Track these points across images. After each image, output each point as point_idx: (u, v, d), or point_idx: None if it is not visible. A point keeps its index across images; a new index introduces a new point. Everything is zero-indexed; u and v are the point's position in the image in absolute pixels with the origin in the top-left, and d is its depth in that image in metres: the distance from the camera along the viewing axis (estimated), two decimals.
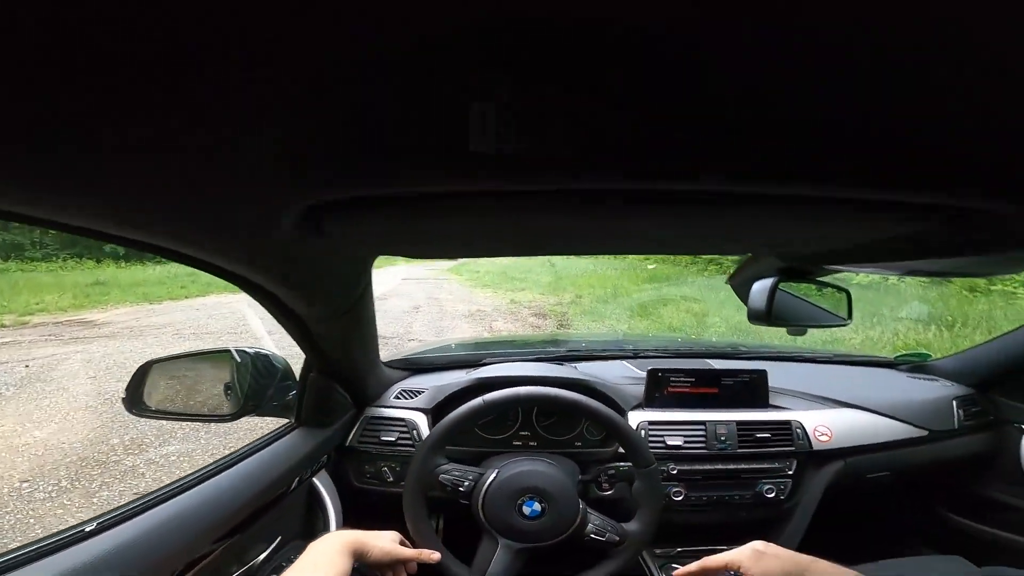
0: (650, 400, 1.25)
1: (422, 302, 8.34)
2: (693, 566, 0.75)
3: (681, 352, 1.56)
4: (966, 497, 1.43)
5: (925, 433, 1.29)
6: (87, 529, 0.61)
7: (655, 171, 0.33)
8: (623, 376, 1.37)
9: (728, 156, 0.31)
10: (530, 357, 1.43)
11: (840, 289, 0.91)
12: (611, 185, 0.37)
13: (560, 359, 1.47)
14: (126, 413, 0.90)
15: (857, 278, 7.23)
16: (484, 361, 1.35)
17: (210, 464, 0.83)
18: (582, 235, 0.52)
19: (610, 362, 1.50)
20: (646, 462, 1.00)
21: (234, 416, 0.92)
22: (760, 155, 0.31)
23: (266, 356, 0.99)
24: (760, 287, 0.78)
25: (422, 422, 1.17)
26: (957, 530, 1.42)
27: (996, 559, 1.14)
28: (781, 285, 0.78)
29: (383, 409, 1.19)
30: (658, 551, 1.19)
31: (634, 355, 1.51)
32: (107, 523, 0.64)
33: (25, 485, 2.71)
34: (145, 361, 0.92)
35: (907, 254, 0.48)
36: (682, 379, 1.27)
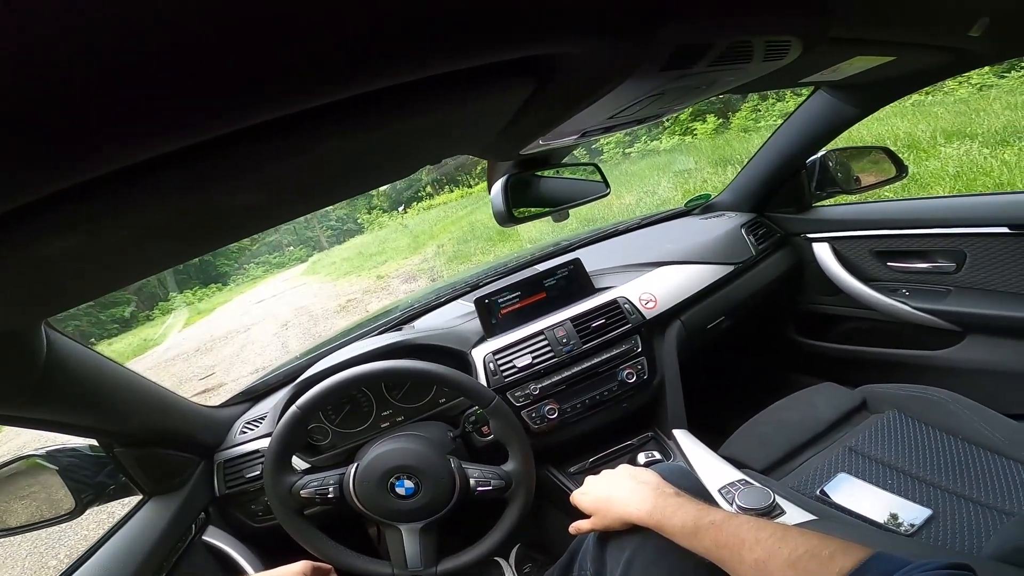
0: (488, 329, 1.25)
1: (289, 316, 7.75)
2: (584, 525, 0.78)
3: (512, 268, 1.56)
4: (804, 317, 1.60)
5: (732, 268, 1.38)
6: None
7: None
8: (461, 315, 1.36)
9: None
10: (370, 334, 1.37)
11: (588, 164, 0.95)
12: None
13: (398, 324, 1.42)
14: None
15: (662, 144, 8.09)
16: (317, 360, 1.26)
17: (65, 567, 0.82)
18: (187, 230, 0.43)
19: (449, 305, 1.48)
20: (486, 399, 0.97)
21: (73, 514, 0.89)
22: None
23: (72, 449, 0.93)
24: (495, 190, 0.77)
25: None
26: (816, 352, 1.59)
27: (861, 374, 1.32)
28: (519, 177, 0.79)
29: (233, 449, 1.13)
30: (572, 469, 1.20)
31: (471, 289, 1.50)
32: None
33: None
34: None
35: (545, 117, 0.48)
36: (508, 296, 1.28)
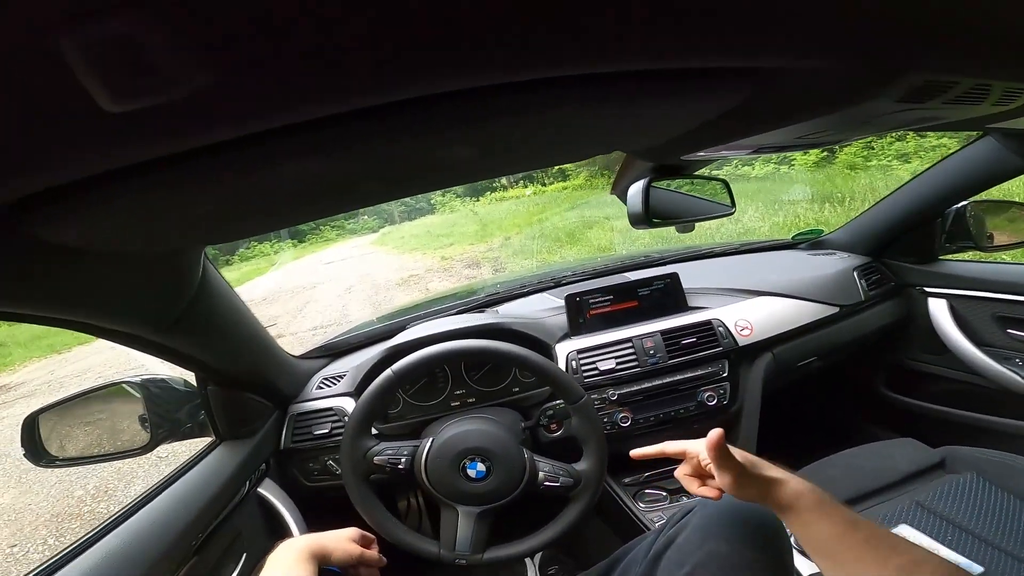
0: (575, 327, 1.25)
1: (353, 281, 8.09)
2: (650, 449, 0.74)
3: (599, 271, 1.55)
4: (899, 372, 1.52)
5: (836, 309, 1.32)
6: None
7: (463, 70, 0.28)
8: (546, 309, 1.36)
9: (530, 40, 0.27)
10: (452, 312, 1.40)
11: (719, 180, 0.93)
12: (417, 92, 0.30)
13: (481, 306, 1.44)
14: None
15: (754, 172, 7.73)
16: (405, 327, 1.29)
17: (135, 498, 0.80)
18: (405, 168, 0.46)
19: (531, 297, 1.48)
20: (575, 395, 0.96)
21: (146, 448, 0.88)
22: (566, 33, 0.27)
23: (162, 380, 0.94)
24: (634, 190, 0.76)
25: (350, 406, 1.11)
26: (902, 408, 1.51)
27: (946, 436, 1.25)
28: (657, 184, 0.78)
29: (307, 403, 1.14)
30: (627, 480, 1.17)
31: (555, 285, 1.50)
32: (42, 573, 0.61)
33: (15, 549, 2.72)
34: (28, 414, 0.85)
35: (740, 129, 0.47)
36: (600, 299, 1.27)
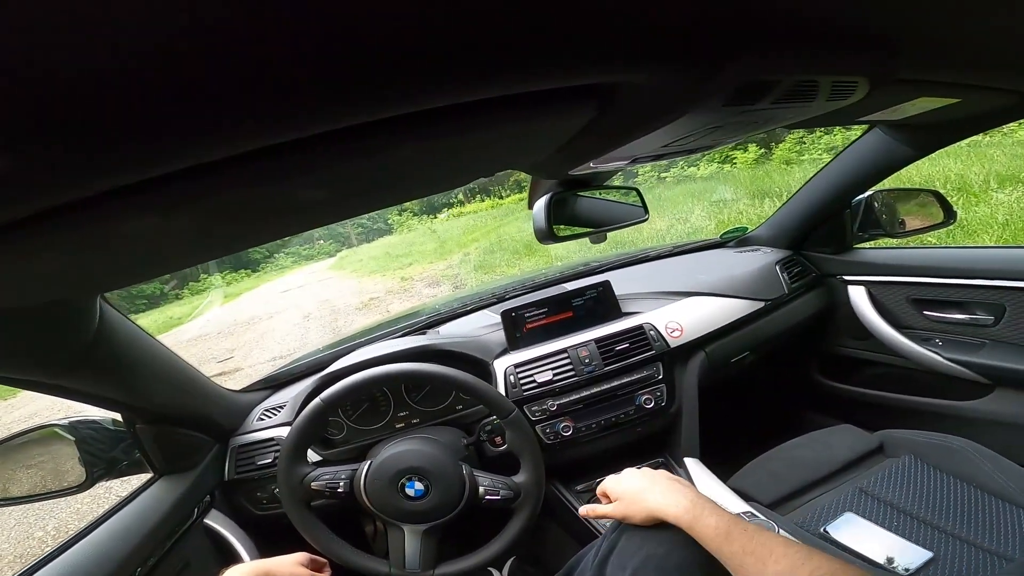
0: (512, 342, 1.25)
1: (311, 308, 7.90)
2: (600, 509, 0.78)
3: (539, 284, 1.57)
4: (830, 359, 1.58)
5: (762, 304, 1.36)
6: None
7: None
8: (486, 326, 1.36)
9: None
10: (395, 335, 1.39)
11: (629, 188, 0.95)
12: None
13: (424, 328, 1.43)
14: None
15: (700, 172, 8.03)
16: (343, 355, 1.28)
17: (71, 533, 0.82)
18: (262, 218, 0.46)
19: (475, 315, 1.48)
20: (505, 411, 0.99)
21: (82, 487, 0.90)
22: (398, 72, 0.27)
23: (92, 421, 0.94)
24: (537, 207, 0.78)
25: None
26: (837, 395, 1.57)
27: (881, 420, 1.30)
28: (564, 196, 0.79)
29: (248, 435, 1.15)
30: (579, 488, 1.19)
31: (498, 300, 1.51)
32: None
33: None
34: None
35: (600, 143, 0.48)
36: (535, 312, 1.28)
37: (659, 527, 0.69)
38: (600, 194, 0.89)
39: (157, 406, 0.95)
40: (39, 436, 0.91)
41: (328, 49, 0.23)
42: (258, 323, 7.97)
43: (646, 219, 0.96)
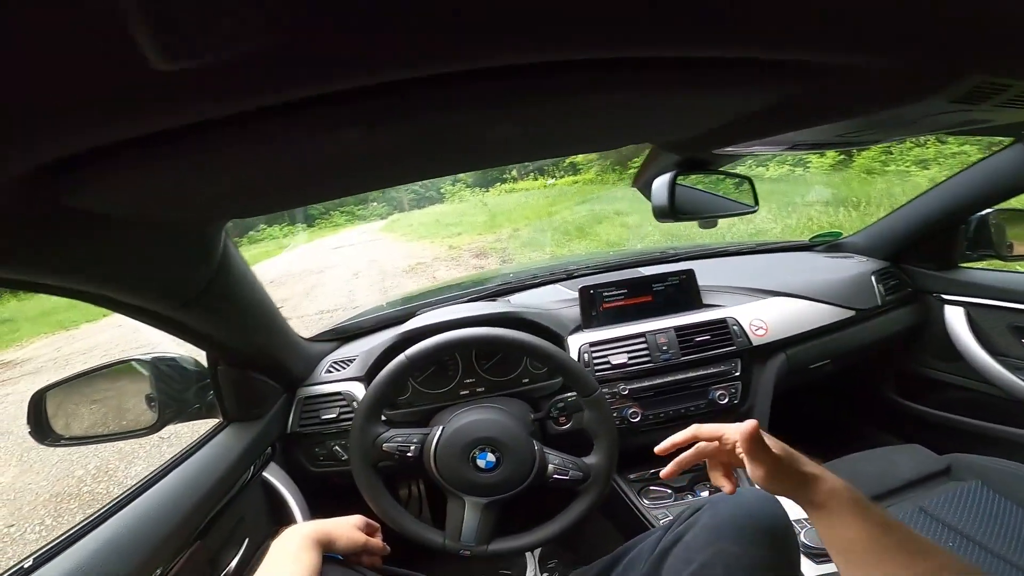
0: (587, 320, 1.24)
1: (361, 267, 8.11)
2: (682, 434, 0.71)
3: (613, 265, 1.54)
4: (909, 378, 1.51)
5: (852, 313, 1.31)
6: (25, 566, 0.58)
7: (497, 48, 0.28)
8: (558, 300, 1.35)
9: (567, 18, 0.26)
10: (464, 299, 1.39)
11: (742, 177, 0.91)
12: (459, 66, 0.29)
13: (493, 295, 1.43)
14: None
15: (768, 172, 7.66)
16: (416, 313, 1.28)
17: (140, 480, 0.78)
18: (440, 148, 0.45)
19: (544, 288, 1.48)
20: (589, 389, 0.95)
21: (153, 428, 0.86)
22: (608, 13, 0.26)
23: (171, 359, 0.92)
24: (660, 183, 0.75)
25: (359, 391, 1.11)
26: (910, 415, 1.51)
27: (953, 443, 1.24)
28: (682, 179, 0.77)
29: (316, 387, 1.13)
30: (632, 476, 1.17)
31: (568, 276, 1.49)
32: (45, 555, 0.61)
33: (13, 529, 2.72)
34: (35, 390, 0.83)
35: (781, 124, 0.46)
36: (614, 292, 1.26)
37: (745, 522, 0.65)
38: (714, 180, 0.86)
39: (246, 349, 0.93)
40: (114, 371, 0.88)
41: None
42: (309, 276, 8.24)
43: (756, 210, 0.93)
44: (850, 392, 1.67)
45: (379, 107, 0.33)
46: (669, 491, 1.14)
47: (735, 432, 0.64)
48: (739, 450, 0.64)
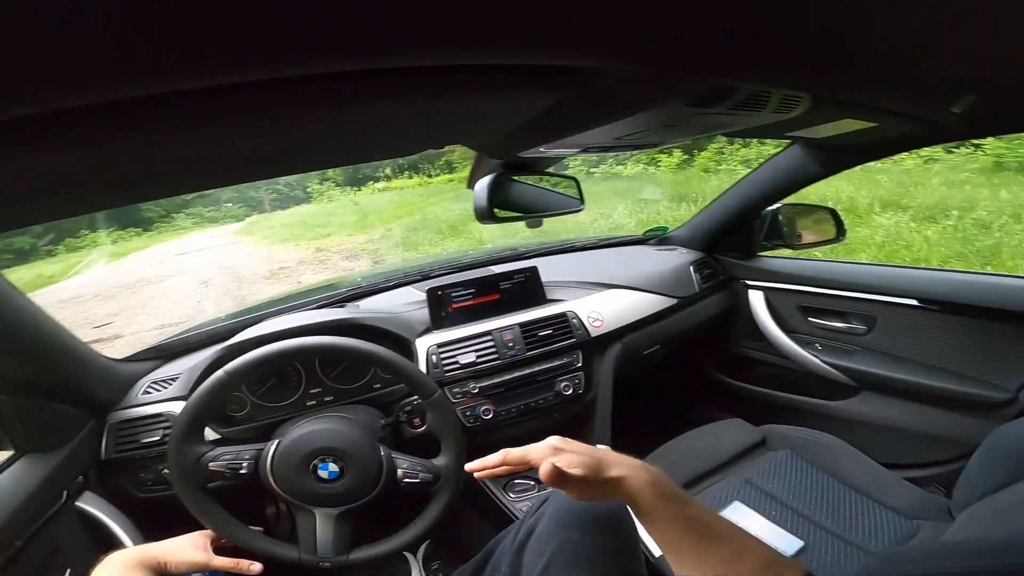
0: (436, 321, 1.23)
1: (212, 274, 7.26)
2: (493, 457, 0.70)
3: (466, 265, 1.56)
4: (729, 357, 1.70)
5: (675, 301, 1.45)
6: None
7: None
8: (409, 303, 1.33)
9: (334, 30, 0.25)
10: (310, 307, 1.31)
11: (569, 178, 0.96)
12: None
13: (342, 300, 1.37)
14: None
15: (626, 171, 8.38)
16: (252, 324, 1.18)
17: None
18: (199, 163, 0.41)
19: (397, 291, 1.44)
20: (428, 391, 0.97)
21: None
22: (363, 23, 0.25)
23: None
24: (480, 185, 0.77)
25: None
26: (732, 391, 1.69)
27: (767, 415, 1.43)
28: (504, 179, 0.78)
29: (131, 410, 1.04)
30: None
31: (422, 278, 1.48)
32: None
33: None
34: None
35: (562, 127, 0.49)
36: (462, 292, 1.27)
37: (583, 510, 0.69)
38: (540, 180, 0.89)
39: (24, 375, 0.85)
40: None
41: None
42: (146, 286, 7.20)
43: (581, 209, 0.98)
44: (681, 374, 1.86)
45: (124, 121, 0.29)
46: (532, 483, 1.18)
47: (538, 458, 0.63)
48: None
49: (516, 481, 1.18)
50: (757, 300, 1.57)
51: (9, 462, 0.89)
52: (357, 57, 0.28)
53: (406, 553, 1.23)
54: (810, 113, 0.53)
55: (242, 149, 0.39)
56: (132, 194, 0.50)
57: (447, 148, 0.72)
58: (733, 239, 1.62)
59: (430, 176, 14.20)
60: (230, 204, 16.39)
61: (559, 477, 0.58)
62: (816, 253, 2.97)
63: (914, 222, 4.18)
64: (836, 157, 1.21)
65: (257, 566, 0.81)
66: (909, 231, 4.00)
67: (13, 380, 0.85)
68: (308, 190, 15.67)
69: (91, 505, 0.96)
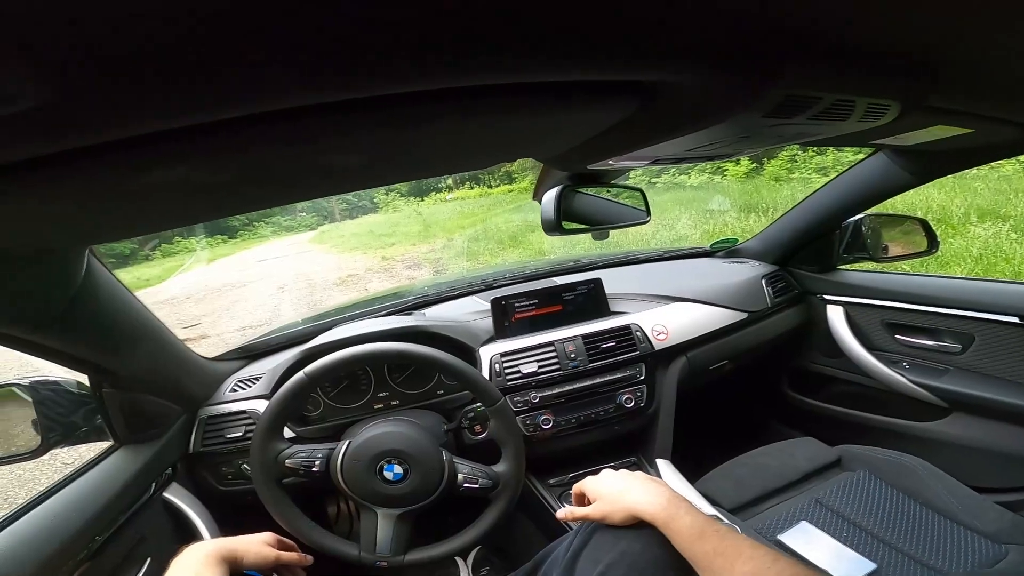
0: (500, 331, 1.25)
1: (287, 280, 7.75)
2: (579, 511, 0.77)
3: (529, 275, 1.57)
4: (801, 374, 1.63)
5: (745, 315, 1.39)
6: None
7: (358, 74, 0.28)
8: (473, 312, 1.36)
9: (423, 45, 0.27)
10: (379, 314, 1.37)
11: (634, 188, 0.96)
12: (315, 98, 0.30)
13: (409, 309, 1.42)
14: None
15: (690, 180, 8.14)
16: (328, 329, 1.25)
17: (24, 501, 0.78)
18: (288, 174, 0.45)
19: (462, 300, 1.48)
20: (492, 399, 0.98)
21: (36, 453, 0.84)
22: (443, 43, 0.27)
23: (53, 383, 0.88)
24: (547, 197, 0.77)
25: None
26: (804, 409, 1.62)
27: (842, 434, 1.36)
28: (571, 191, 0.79)
29: (219, 406, 1.11)
30: (552, 481, 1.20)
31: (485, 288, 1.51)
32: None
33: None
34: None
35: (634, 140, 0.49)
36: (525, 303, 1.28)
37: (636, 525, 0.69)
38: (607, 192, 0.90)
39: (129, 370, 0.91)
40: None
41: (377, 13, 0.23)
42: (230, 291, 7.79)
43: (647, 220, 0.97)
44: (750, 389, 1.78)
45: (221, 142, 0.33)
46: None
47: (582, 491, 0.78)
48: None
49: (570, 492, 1.18)
50: (836, 315, 1.48)
51: (107, 452, 0.94)
52: (472, 73, 0.29)
53: (456, 557, 1.25)
54: (899, 121, 0.50)
55: (338, 162, 0.42)
56: (258, 202, 0.55)
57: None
58: (810, 252, 1.54)
59: (491, 187, 14.46)
60: (304, 214, 17.48)
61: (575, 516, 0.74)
62: (903, 267, 2.75)
63: (1015, 232, 3.79)
64: (927, 165, 1.12)
65: (310, 559, 0.84)
66: (1010, 243, 3.64)
67: (121, 375, 0.90)
68: (375, 200, 16.42)
69: (176, 496, 1.01)
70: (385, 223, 11.70)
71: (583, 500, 0.77)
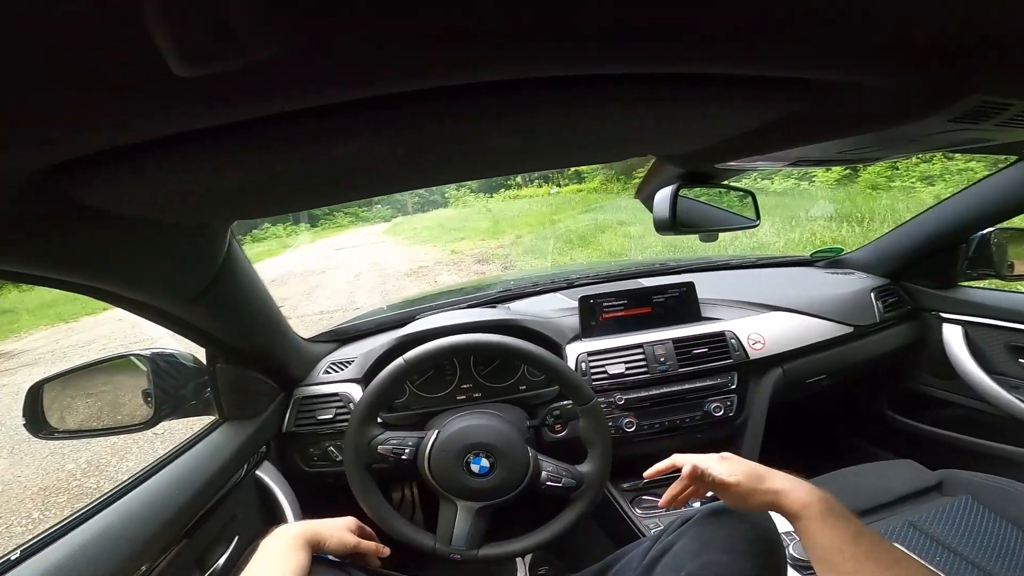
0: (586, 330, 1.25)
1: (363, 268, 8.12)
2: (663, 464, 0.77)
3: (613, 275, 1.55)
4: (904, 394, 1.52)
5: (851, 329, 1.31)
6: (12, 558, 0.58)
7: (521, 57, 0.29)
8: (558, 309, 1.36)
9: (583, 34, 0.27)
10: (463, 305, 1.40)
11: (745, 191, 0.92)
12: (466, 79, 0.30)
13: (493, 302, 1.44)
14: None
15: (773, 186, 7.67)
16: (416, 317, 1.28)
17: (131, 475, 0.79)
18: (445, 158, 0.46)
19: (544, 296, 1.48)
20: (585, 398, 0.95)
21: (148, 424, 0.87)
22: (621, 30, 0.27)
23: (170, 355, 0.92)
24: (662, 196, 0.76)
25: (356, 393, 1.11)
26: (904, 430, 1.51)
27: (945, 459, 1.25)
28: (684, 192, 0.77)
29: (313, 387, 1.14)
30: (625, 485, 1.18)
31: (568, 285, 1.50)
32: (33, 547, 0.60)
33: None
34: (34, 382, 0.83)
35: (783, 141, 0.47)
36: (614, 303, 1.27)
37: (734, 534, 0.67)
38: (717, 193, 0.87)
39: (247, 347, 0.93)
40: (112, 365, 0.88)
41: None
42: (310, 276, 8.26)
43: (757, 224, 0.93)
44: (845, 406, 1.67)
45: (382, 118, 0.34)
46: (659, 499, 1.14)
47: (709, 461, 0.71)
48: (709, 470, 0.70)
49: (644, 497, 1.16)
50: (953, 335, 1.36)
51: (212, 427, 0.95)
52: (585, 62, 0.29)
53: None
54: None
55: (480, 146, 0.43)
56: (409, 181, 0.56)
57: None
58: (928, 266, 1.41)
59: (560, 186, 14.40)
60: (379, 205, 18.23)
61: (718, 485, 0.66)
62: None
63: None
64: None
65: (387, 550, 0.82)
66: None
67: (235, 349, 0.91)
68: (446, 195, 16.84)
69: (267, 475, 1.01)
70: (455, 218, 11.99)
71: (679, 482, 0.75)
